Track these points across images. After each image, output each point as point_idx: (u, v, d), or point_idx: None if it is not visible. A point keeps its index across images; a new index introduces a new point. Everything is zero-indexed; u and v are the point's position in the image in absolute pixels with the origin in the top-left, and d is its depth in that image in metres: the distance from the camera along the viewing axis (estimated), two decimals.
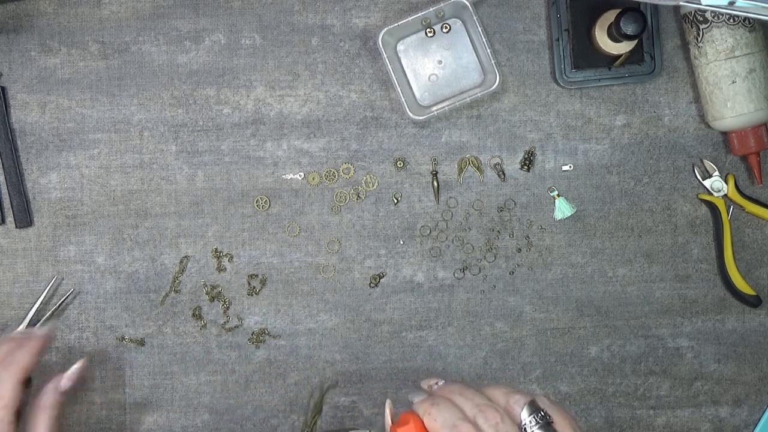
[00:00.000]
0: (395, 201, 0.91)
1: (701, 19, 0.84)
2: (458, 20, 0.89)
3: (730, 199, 0.90)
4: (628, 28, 0.82)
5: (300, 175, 0.90)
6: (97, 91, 0.90)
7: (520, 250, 0.91)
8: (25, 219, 0.89)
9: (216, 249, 0.90)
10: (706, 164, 0.91)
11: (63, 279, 0.90)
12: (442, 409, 0.57)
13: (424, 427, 0.58)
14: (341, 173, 0.90)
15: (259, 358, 0.91)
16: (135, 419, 0.91)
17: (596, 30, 0.87)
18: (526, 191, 0.91)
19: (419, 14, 0.86)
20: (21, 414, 0.74)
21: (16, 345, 0.76)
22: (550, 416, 0.57)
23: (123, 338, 0.91)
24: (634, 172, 0.91)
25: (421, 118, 0.87)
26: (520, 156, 0.91)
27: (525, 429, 0.57)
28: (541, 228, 0.91)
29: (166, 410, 0.91)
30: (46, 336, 0.78)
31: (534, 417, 0.57)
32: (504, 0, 0.90)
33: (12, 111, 0.90)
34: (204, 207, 0.90)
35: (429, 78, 0.90)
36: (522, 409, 0.57)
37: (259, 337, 0.91)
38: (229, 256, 0.90)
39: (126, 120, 0.90)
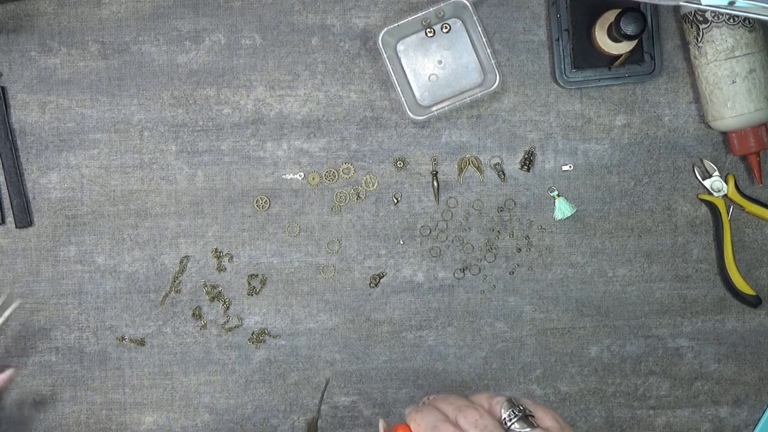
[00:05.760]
0: (395, 201, 0.91)
1: (701, 19, 0.84)
2: (458, 20, 0.89)
3: (730, 199, 0.90)
4: (628, 28, 0.82)
5: (300, 175, 0.90)
6: (97, 91, 0.90)
7: (520, 250, 0.91)
8: (25, 219, 0.89)
9: (216, 249, 0.90)
10: (706, 164, 0.91)
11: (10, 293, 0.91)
12: (425, 414, 0.61)
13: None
14: (341, 173, 0.90)
15: (259, 358, 0.91)
16: (135, 419, 0.91)
17: (596, 30, 0.87)
18: (526, 191, 0.91)
19: (419, 14, 0.86)
20: None
21: None
22: (528, 410, 0.60)
23: (123, 338, 0.91)
24: (634, 172, 0.91)
25: (421, 118, 0.87)
26: (520, 156, 0.91)
27: (505, 422, 0.59)
28: (541, 228, 0.91)
29: (166, 410, 0.91)
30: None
31: (512, 411, 0.60)
32: (504, 0, 0.90)
33: (12, 111, 0.90)
34: (204, 207, 0.90)
35: (429, 78, 0.90)
36: (502, 407, 0.60)
37: (259, 337, 0.91)
38: (229, 256, 0.90)
39: (126, 120, 0.90)
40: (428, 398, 0.66)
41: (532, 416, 0.60)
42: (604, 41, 0.86)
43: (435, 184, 0.90)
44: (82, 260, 0.90)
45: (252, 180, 0.90)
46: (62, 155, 0.90)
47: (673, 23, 0.90)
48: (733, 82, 0.84)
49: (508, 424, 0.59)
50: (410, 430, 0.61)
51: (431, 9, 0.86)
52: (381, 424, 0.64)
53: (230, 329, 0.91)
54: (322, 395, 0.87)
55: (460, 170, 0.91)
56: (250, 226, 0.91)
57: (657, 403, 0.92)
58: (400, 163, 0.90)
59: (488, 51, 0.86)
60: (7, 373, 0.84)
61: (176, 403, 0.91)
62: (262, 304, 0.91)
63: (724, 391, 0.92)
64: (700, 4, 0.77)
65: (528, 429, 0.59)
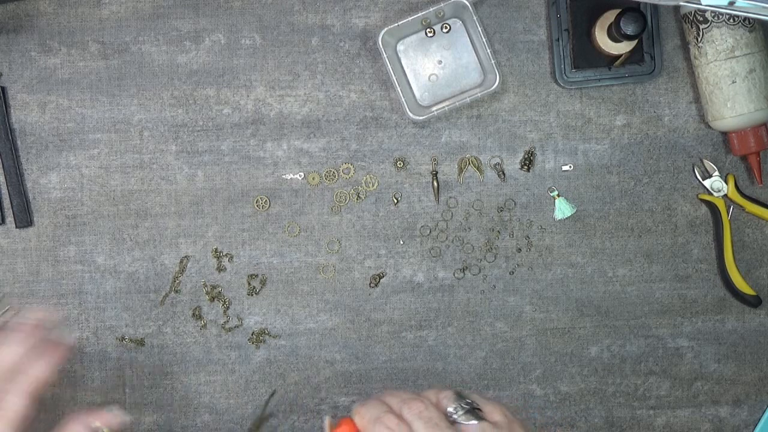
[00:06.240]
0: (395, 201, 0.91)
1: (701, 19, 0.84)
2: (458, 20, 0.89)
3: (730, 199, 0.90)
4: (628, 28, 0.82)
5: (300, 175, 0.90)
6: (97, 91, 0.90)
7: (520, 250, 0.91)
8: (25, 219, 0.89)
9: (216, 249, 0.90)
10: (706, 164, 0.91)
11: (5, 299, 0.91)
12: (370, 406, 0.60)
13: (356, 427, 0.60)
14: (341, 173, 0.90)
15: (259, 358, 0.91)
16: (135, 419, 0.91)
17: (596, 30, 0.87)
18: (526, 191, 0.91)
19: (419, 14, 0.86)
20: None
21: (35, 350, 0.67)
22: (476, 403, 0.60)
23: (123, 338, 0.91)
24: (634, 172, 0.91)
25: (421, 118, 0.87)
26: (520, 156, 0.91)
27: (451, 415, 0.59)
28: (541, 228, 0.91)
29: (166, 410, 0.91)
30: (69, 347, 0.70)
31: (459, 404, 0.59)
32: (504, 0, 0.90)
33: (12, 111, 0.90)
34: (204, 207, 0.90)
35: (429, 78, 0.90)
36: (448, 400, 0.60)
37: (259, 337, 0.91)
38: (229, 256, 0.90)
39: (126, 120, 0.90)
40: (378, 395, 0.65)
41: (480, 410, 0.59)
42: (604, 41, 0.86)
43: (435, 184, 0.90)
44: (82, 260, 0.90)
45: (252, 180, 0.90)
46: (62, 155, 0.90)
47: (673, 23, 0.90)
48: (733, 82, 0.84)
49: (454, 416, 0.58)
50: (354, 424, 0.60)
51: (431, 9, 0.86)
52: (326, 421, 0.62)
53: (230, 329, 0.91)
54: (265, 407, 0.85)
55: (460, 170, 0.91)
56: (250, 226, 0.91)
57: (657, 403, 0.92)
58: (400, 163, 0.90)
59: (488, 51, 0.86)
60: (122, 418, 0.69)
61: (176, 403, 0.91)
62: (262, 304, 0.91)
63: (724, 391, 0.92)
64: (700, 4, 0.77)
65: (474, 422, 0.58)
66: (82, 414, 0.67)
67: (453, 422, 0.58)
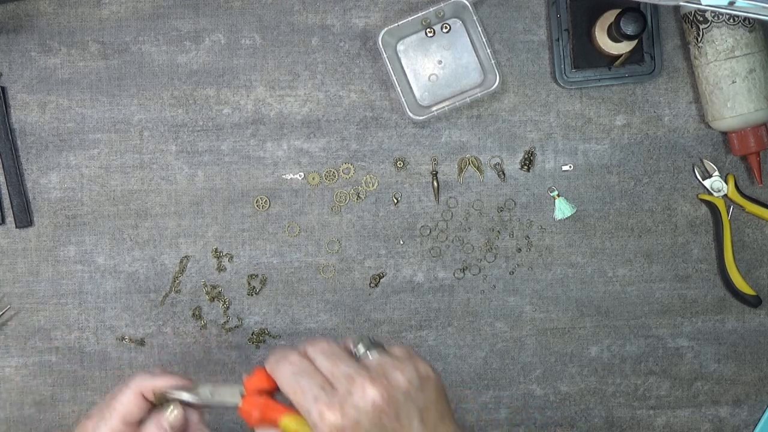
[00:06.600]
0: (395, 201, 0.91)
1: (701, 19, 0.85)
2: (458, 20, 0.89)
3: (730, 199, 0.90)
4: (628, 28, 0.82)
5: (300, 175, 0.90)
6: (97, 91, 0.90)
7: (520, 250, 0.91)
8: (25, 219, 0.89)
9: (216, 249, 0.90)
10: (706, 164, 0.91)
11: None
12: (277, 352, 0.63)
13: (267, 373, 0.64)
14: (341, 173, 0.90)
15: (259, 358, 0.91)
16: None
17: (596, 30, 0.87)
18: (526, 191, 0.91)
19: (419, 14, 0.86)
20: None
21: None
22: (378, 341, 0.64)
23: (123, 338, 0.91)
24: (634, 172, 0.91)
25: (421, 118, 0.87)
26: (520, 156, 0.91)
27: (356, 353, 0.62)
28: (541, 228, 0.91)
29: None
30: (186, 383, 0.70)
31: (362, 342, 0.63)
32: (504, 0, 0.90)
33: (12, 111, 0.90)
34: (204, 207, 0.90)
35: (429, 78, 0.90)
36: (352, 340, 0.63)
37: (259, 337, 0.91)
38: (229, 256, 0.90)
39: (126, 120, 0.90)
40: None
41: (382, 346, 0.63)
42: (604, 41, 0.86)
43: (435, 184, 0.90)
44: (82, 260, 0.90)
45: (252, 180, 0.90)
46: (62, 155, 0.90)
47: (673, 23, 0.90)
48: (733, 82, 0.84)
49: (356, 352, 0.62)
50: (266, 371, 0.63)
51: (431, 9, 0.86)
52: (244, 377, 0.66)
53: (230, 329, 0.91)
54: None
55: (460, 170, 0.91)
56: (250, 226, 0.91)
57: (657, 403, 0.92)
58: (400, 163, 0.90)
59: (488, 51, 0.86)
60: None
61: None
62: (262, 304, 0.91)
63: (724, 391, 0.92)
64: (700, 4, 0.77)
65: (376, 354, 0.61)
66: (144, 377, 0.68)
67: (357, 358, 0.62)
